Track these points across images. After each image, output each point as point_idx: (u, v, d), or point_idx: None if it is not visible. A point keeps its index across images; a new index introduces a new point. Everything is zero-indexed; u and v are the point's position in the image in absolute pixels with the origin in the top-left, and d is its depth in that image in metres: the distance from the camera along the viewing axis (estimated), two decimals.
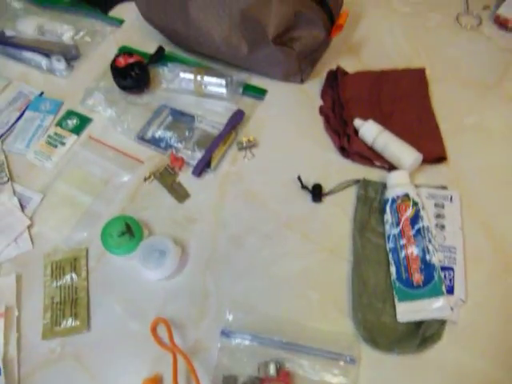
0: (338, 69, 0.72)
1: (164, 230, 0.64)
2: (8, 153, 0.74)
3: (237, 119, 0.70)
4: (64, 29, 0.85)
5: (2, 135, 0.75)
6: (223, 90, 0.72)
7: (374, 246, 0.61)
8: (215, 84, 0.72)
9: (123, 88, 0.75)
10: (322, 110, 0.72)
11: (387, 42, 0.79)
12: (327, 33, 0.70)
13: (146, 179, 0.67)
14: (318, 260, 0.60)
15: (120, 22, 0.87)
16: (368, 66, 0.76)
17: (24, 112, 0.78)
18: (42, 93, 0.80)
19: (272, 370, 0.52)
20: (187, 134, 0.70)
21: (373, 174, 0.66)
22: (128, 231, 0.61)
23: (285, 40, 0.69)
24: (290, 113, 0.73)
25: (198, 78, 0.72)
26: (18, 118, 0.77)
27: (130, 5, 0.89)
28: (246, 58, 0.71)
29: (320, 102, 0.73)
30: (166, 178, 0.67)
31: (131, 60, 0.74)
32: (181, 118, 0.72)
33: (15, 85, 0.81)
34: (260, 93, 0.74)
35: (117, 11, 0.90)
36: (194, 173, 0.67)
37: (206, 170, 0.68)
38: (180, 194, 0.66)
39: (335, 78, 0.73)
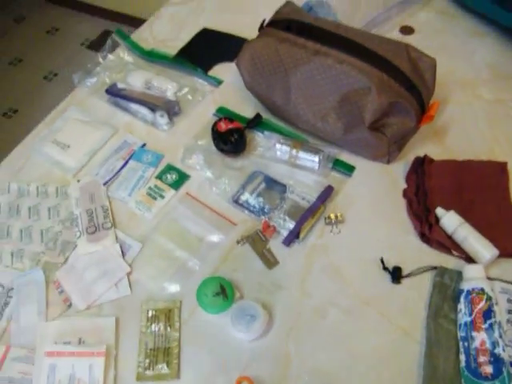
0: (426, 157, 0.78)
1: (252, 293, 0.70)
2: (112, 199, 0.82)
3: (326, 194, 0.77)
4: (168, 85, 0.94)
5: (108, 181, 0.84)
6: (315, 165, 0.79)
7: (446, 332, 0.65)
8: (309, 159, 0.79)
9: (221, 150, 0.83)
10: (405, 194, 0.77)
11: (470, 129, 0.85)
12: (417, 121, 0.76)
13: (238, 242, 0.74)
14: (392, 339, 0.66)
15: (219, 82, 0.95)
16: (452, 151, 0.82)
17: (128, 161, 0.87)
18: (144, 144, 0.89)
19: None
20: (279, 202, 0.77)
21: (450, 261, 0.71)
22: (222, 292, 0.68)
23: (378, 126, 0.76)
24: (375, 192, 0.79)
25: (294, 152, 0.79)
26: (122, 167, 0.86)
27: (229, 65, 0.98)
28: (339, 138, 0.78)
29: (404, 185, 0.79)
30: (258, 243, 0.74)
31: (231, 126, 0.83)
32: (273, 186, 0.79)
33: (121, 134, 0.91)
34: (349, 169, 0.81)
35: (216, 71, 0.98)
36: (284, 242, 0.73)
37: (294, 240, 0.74)
38: (270, 261, 0.73)
39: (421, 164, 0.78)
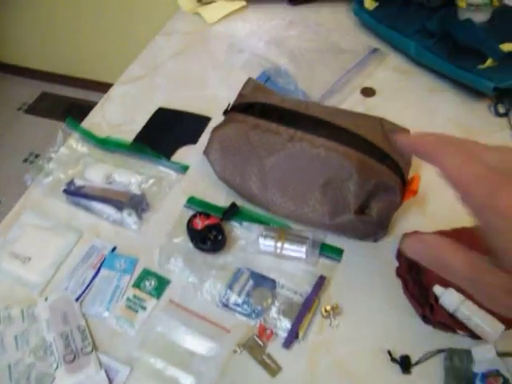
0: (416, 232, 0.76)
1: None
2: (87, 316, 0.75)
3: (319, 285, 0.73)
4: (131, 178, 0.89)
5: (80, 296, 0.77)
6: (303, 255, 0.75)
7: None
8: (295, 250, 0.75)
9: (200, 249, 0.78)
10: (398, 273, 0.76)
11: (449, 194, 0.84)
12: (401, 197, 0.74)
13: (235, 351, 0.69)
14: None
15: (185, 168, 0.91)
16: (435, 219, 0.81)
17: (99, 270, 0.80)
18: (114, 248, 0.82)
19: None
20: (271, 301, 0.73)
21: (455, 338, 0.69)
22: None
23: (363, 208, 0.73)
24: (367, 274, 0.77)
25: (279, 244, 0.75)
26: (94, 277, 0.79)
27: (192, 148, 0.93)
28: (325, 224, 0.75)
29: (395, 262, 0.77)
30: (256, 349, 0.70)
31: (208, 222, 0.78)
32: (262, 283, 0.75)
33: (87, 238, 0.84)
34: (337, 253, 0.78)
35: (180, 155, 0.94)
36: (284, 345, 0.70)
37: (294, 340, 0.70)
38: (272, 368, 0.68)
39: None
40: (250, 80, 0.88)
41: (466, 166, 0.38)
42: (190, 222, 0.79)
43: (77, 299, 0.77)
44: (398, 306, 0.73)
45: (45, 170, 0.92)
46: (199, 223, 0.78)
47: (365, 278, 0.76)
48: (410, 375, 0.67)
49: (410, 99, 0.98)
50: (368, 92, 0.99)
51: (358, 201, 0.72)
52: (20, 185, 2.05)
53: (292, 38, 1.06)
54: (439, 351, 0.69)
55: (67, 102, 2.52)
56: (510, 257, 0.32)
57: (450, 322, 0.70)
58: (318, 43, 1.04)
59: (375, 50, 1.05)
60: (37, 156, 2.25)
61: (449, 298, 0.70)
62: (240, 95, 0.83)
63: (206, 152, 0.80)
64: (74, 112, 2.46)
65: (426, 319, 0.71)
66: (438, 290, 0.71)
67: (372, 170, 0.72)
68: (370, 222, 0.74)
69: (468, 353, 0.67)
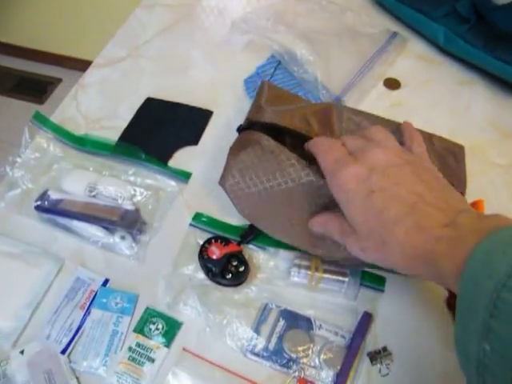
0: None
1: None
2: (79, 374, 0.60)
3: (365, 325, 0.61)
4: (121, 189, 0.71)
5: (67, 347, 0.61)
6: (343, 286, 0.63)
7: None
8: (336, 281, 0.63)
9: (217, 283, 0.64)
10: (449, 304, 0.65)
11: (491, 198, 0.74)
12: None
13: None
14: None
15: (187, 176, 0.75)
16: None
17: (89, 310, 0.64)
18: (106, 281, 0.66)
19: None
20: (308, 346, 0.60)
21: None
22: None
23: None
24: (414, 307, 0.66)
25: (317, 275, 0.62)
26: (83, 320, 0.63)
27: (193, 150, 0.78)
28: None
29: (443, 291, 0.66)
30: None
31: (227, 250, 0.63)
32: (295, 322, 0.63)
33: (69, 268, 0.67)
34: (379, 283, 0.66)
35: (178, 160, 0.77)
36: None
37: None
38: None
39: None
40: (264, 84, 0.72)
41: (326, 155, 0.54)
42: (203, 251, 0.64)
43: (63, 351, 0.61)
44: (453, 345, 0.63)
45: (8, 178, 0.73)
46: (216, 252, 0.63)
47: (412, 312, 0.65)
48: None
49: (439, 93, 0.86)
50: (392, 84, 0.86)
51: None
52: None
53: (300, 17, 0.90)
54: None
55: (16, 76, 2.21)
56: (350, 219, 0.51)
57: None
58: (332, 24, 0.89)
59: (395, 35, 0.91)
60: None
61: None
62: (256, 107, 0.67)
63: (223, 181, 0.64)
64: (25, 87, 2.17)
65: None
66: None
67: None
68: None
69: None
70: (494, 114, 0.84)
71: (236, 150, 0.64)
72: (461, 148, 0.67)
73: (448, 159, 0.64)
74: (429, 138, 0.65)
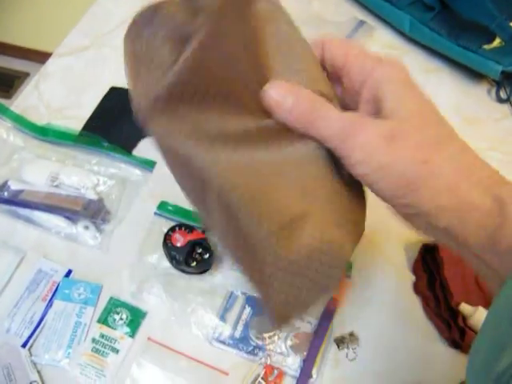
0: (437, 247, 0.66)
1: None
2: (41, 367, 0.58)
3: (331, 311, 0.61)
4: (84, 178, 0.70)
5: (28, 340, 0.59)
6: None
7: None
8: None
9: (182, 271, 0.63)
10: (417, 289, 0.66)
11: None
12: None
13: None
14: None
15: (151, 164, 0.73)
16: None
17: (51, 302, 0.62)
18: (69, 272, 0.65)
19: None
20: (275, 333, 0.60)
21: None
22: None
23: None
24: (381, 292, 0.66)
25: None
26: (45, 312, 0.61)
27: None
28: None
29: (411, 276, 0.66)
30: None
31: (191, 237, 0.62)
32: (261, 309, 0.61)
33: (31, 259, 0.66)
34: (346, 269, 0.65)
35: (142, 149, 0.76)
36: None
37: (307, 380, 0.58)
38: None
39: (430, 251, 0.66)
40: None
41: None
42: (167, 238, 0.63)
43: (24, 345, 0.59)
44: (419, 329, 0.63)
45: None
46: (180, 239, 0.62)
47: (379, 297, 0.65)
48: None
49: None
50: None
51: None
52: None
53: None
54: None
55: None
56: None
57: None
58: (299, 12, 0.89)
59: (362, 23, 0.92)
60: None
61: (480, 318, 0.61)
62: None
63: None
64: None
65: (454, 343, 0.62)
66: (466, 308, 0.62)
67: None
68: None
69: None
70: (460, 101, 0.85)
71: None
72: None
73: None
74: None
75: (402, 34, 0.91)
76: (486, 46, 0.80)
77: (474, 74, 0.87)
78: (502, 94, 0.84)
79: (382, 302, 0.65)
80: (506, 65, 0.78)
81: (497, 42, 0.80)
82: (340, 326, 0.62)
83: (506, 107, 0.84)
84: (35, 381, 0.57)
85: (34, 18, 2.07)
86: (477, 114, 0.84)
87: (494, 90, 0.85)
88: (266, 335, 0.60)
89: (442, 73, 0.89)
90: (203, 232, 0.64)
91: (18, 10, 2.05)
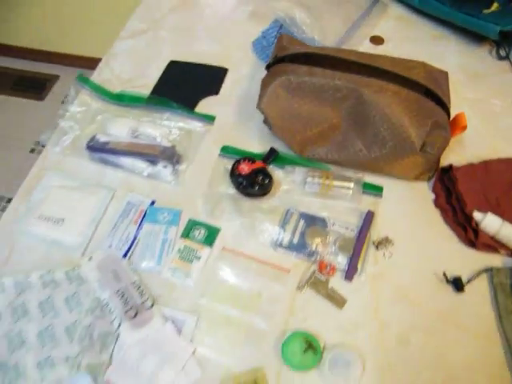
0: (451, 167, 0.81)
1: (333, 339, 0.67)
2: (140, 272, 0.73)
3: (369, 220, 0.76)
4: (158, 130, 0.85)
5: (127, 252, 0.74)
6: (349, 192, 0.78)
7: None
8: (343, 187, 0.77)
9: (247, 195, 0.78)
10: (437, 203, 0.80)
11: (469, 130, 0.89)
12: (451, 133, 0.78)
13: (299, 287, 0.71)
14: (475, 347, 0.68)
15: (211, 119, 0.89)
16: (463, 156, 0.86)
17: (141, 225, 0.77)
18: (153, 202, 0.80)
19: None
20: (325, 238, 0.75)
21: (495, 259, 0.75)
22: (310, 347, 0.64)
23: (424, 146, 0.76)
24: (407, 207, 0.80)
25: (327, 182, 0.77)
26: (137, 232, 0.76)
27: (214, 99, 0.92)
28: (385, 166, 0.79)
29: (430, 195, 0.81)
30: (319, 285, 0.71)
31: (254, 166, 0.78)
32: (313, 222, 0.77)
33: (121, 195, 0.81)
34: (378, 190, 0.81)
35: (202, 107, 0.92)
36: (347, 278, 0.72)
37: (354, 273, 0.72)
38: (338, 300, 0.70)
39: (446, 172, 0.81)
40: (283, 36, 0.87)
41: None
42: (234, 168, 0.78)
43: (124, 256, 0.75)
44: (441, 234, 0.78)
45: (60, 128, 0.87)
46: (245, 168, 0.78)
47: (406, 211, 0.80)
48: (463, 294, 0.72)
49: (417, 46, 1.02)
50: (377, 40, 1.02)
51: (420, 140, 0.74)
52: None
53: None
54: (486, 270, 0.74)
55: (14, 75, 2.33)
56: None
57: (493, 244, 0.75)
58: None
59: (376, 1, 1.08)
60: None
61: (490, 222, 0.75)
62: (280, 48, 0.82)
63: (261, 103, 0.79)
64: (24, 85, 2.28)
65: (469, 243, 0.76)
66: (478, 216, 0.77)
67: (428, 109, 0.75)
68: (431, 159, 0.77)
69: (511, 270, 0.73)
70: (465, 61, 1.00)
71: (269, 79, 0.79)
72: (446, 73, 0.82)
73: (440, 79, 0.80)
74: (422, 64, 0.80)
75: (411, 7, 1.07)
76: (485, 11, 0.96)
77: (476, 38, 1.02)
78: (502, 53, 1.00)
79: (408, 215, 0.79)
80: (503, 25, 0.93)
81: (494, 7, 0.95)
82: (377, 233, 0.77)
83: (505, 64, 1.00)
84: (137, 280, 0.72)
85: (59, 24, 2.23)
86: (480, 71, 0.99)
87: (494, 50, 1.01)
88: (318, 240, 0.75)
89: (448, 38, 1.04)
90: (264, 162, 0.79)
91: (44, 18, 2.22)
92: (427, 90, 0.76)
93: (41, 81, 2.30)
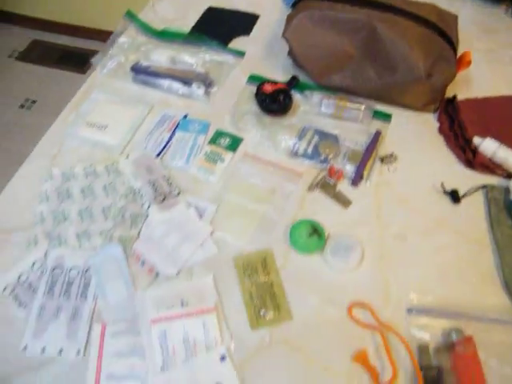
0: (455, 97, 0.89)
1: (337, 231, 0.76)
2: (170, 168, 0.83)
3: (377, 137, 0.84)
4: (194, 59, 0.96)
5: (160, 153, 0.85)
6: (360, 115, 0.86)
7: (508, 237, 0.75)
8: (355, 109, 0.86)
9: (269, 111, 0.88)
10: (441, 130, 0.88)
11: (475, 70, 0.96)
12: (456, 68, 0.86)
13: (310, 189, 0.79)
14: (467, 248, 0.75)
15: (242, 53, 1.00)
16: (469, 94, 0.93)
17: (174, 132, 0.88)
18: (186, 115, 0.90)
19: (454, 336, 0.64)
20: (336, 150, 0.83)
21: (492, 180, 0.82)
22: (315, 232, 0.73)
23: (431, 76, 0.85)
24: (413, 132, 0.88)
25: (341, 104, 0.86)
26: (170, 138, 0.87)
27: (246, 39, 1.03)
28: (394, 93, 0.88)
29: (435, 123, 0.89)
30: (328, 187, 0.80)
31: (276, 87, 0.87)
32: (326, 137, 0.86)
33: (157, 109, 0.92)
34: (387, 117, 0.89)
35: (234, 44, 1.03)
36: (353, 183, 0.80)
37: (360, 180, 0.81)
38: (344, 201, 0.79)
39: (451, 102, 0.89)
40: None
41: None
42: (259, 88, 0.88)
43: (157, 156, 0.85)
44: (442, 157, 0.85)
45: (108, 55, 0.99)
46: (268, 88, 0.87)
47: (412, 136, 0.88)
48: (459, 205, 0.80)
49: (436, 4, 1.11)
50: None
51: (426, 68, 0.83)
52: (20, 130, 2.04)
53: None
54: (482, 187, 0.81)
55: (60, 50, 2.51)
56: None
57: (490, 164, 0.83)
58: None
59: None
60: (33, 102, 2.25)
61: (487, 145, 0.83)
62: None
63: (286, 32, 0.89)
64: (68, 59, 2.46)
65: (468, 164, 0.84)
66: (477, 140, 0.84)
67: (436, 43, 0.84)
68: (437, 89, 0.86)
69: (506, 189, 0.80)
70: (479, 17, 1.08)
71: (294, 13, 0.89)
72: (455, 15, 0.91)
73: (449, 20, 0.88)
74: (433, 6, 0.89)
75: None
76: None
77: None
78: None
79: (414, 138, 0.87)
80: None
81: None
82: (384, 151, 0.85)
83: None
84: (166, 174, 0.82)
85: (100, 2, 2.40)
86: (494, 26, 1.07)
87: (510, 11, 1.09)
88: (330, 150, 0.84)
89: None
90: (285, 84, 0.89)
91: None
92: (436, 27, 0.85)
93: (83, 56, 2.47)
